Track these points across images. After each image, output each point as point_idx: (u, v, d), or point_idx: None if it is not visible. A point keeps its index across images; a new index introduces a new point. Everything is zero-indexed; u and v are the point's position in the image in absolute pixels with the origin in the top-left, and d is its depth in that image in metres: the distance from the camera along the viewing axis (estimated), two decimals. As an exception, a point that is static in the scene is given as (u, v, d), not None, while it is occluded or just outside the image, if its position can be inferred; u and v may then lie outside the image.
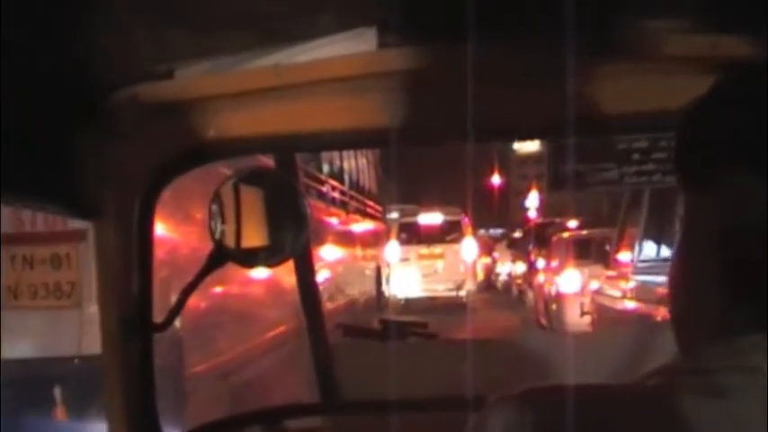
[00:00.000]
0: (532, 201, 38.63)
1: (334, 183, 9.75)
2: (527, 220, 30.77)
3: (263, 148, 1.76)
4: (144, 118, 1.35)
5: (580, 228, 15.94)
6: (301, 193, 1.63)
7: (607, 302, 7.54)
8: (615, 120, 1.40)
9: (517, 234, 26.41)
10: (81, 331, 3.87)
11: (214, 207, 1.45)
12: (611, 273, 7.84)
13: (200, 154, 1.48)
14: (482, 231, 30.53)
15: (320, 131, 1.43)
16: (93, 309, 3.25)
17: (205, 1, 1.18)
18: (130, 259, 1.44)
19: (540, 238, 17.89)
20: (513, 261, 20.87)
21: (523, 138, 1.64)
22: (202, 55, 1.29)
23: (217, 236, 1.45)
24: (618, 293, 7.22)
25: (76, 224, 3.50)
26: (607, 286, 7.88)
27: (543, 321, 12.64)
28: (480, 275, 20.37)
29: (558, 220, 20.29)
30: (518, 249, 21.18)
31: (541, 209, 35.85)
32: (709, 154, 0.77)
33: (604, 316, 7.45)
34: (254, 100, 1.37)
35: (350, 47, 1.27)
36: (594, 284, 8.92)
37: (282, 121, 1.41)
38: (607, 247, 9.18)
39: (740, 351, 0.71)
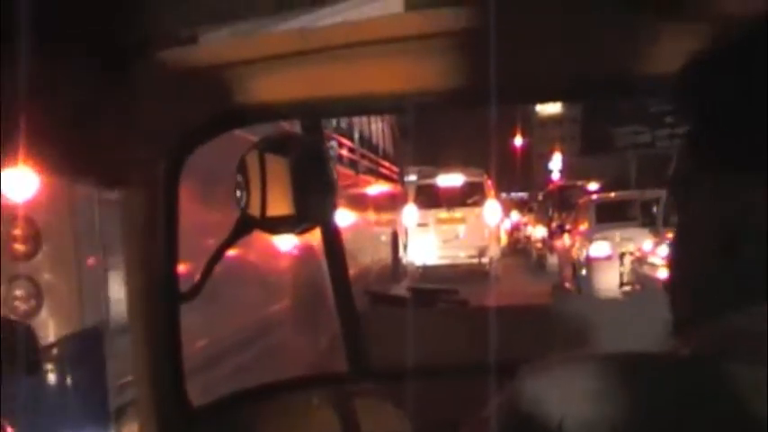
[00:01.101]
0: (556, 163, 38.51)
1: (342, 139, 8.77)
2: (550, 182, 30.68)
3: (289, 114, 1.74)
4: (169, 84, 1.33)
5: (602, 190, 15.82)
6: (329, 160, 1.60)
7: (650, 271, 7.33)
8: (644, 81, 1.37)
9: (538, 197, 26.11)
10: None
11: (239, 175, 1.44)
12: (655, 239, 7.49)
13: (225, 120, 1.46)
14: (504, 195, 30.37)
15: (347, 96, 1.40)
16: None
17: None
18: (156, 227, 1.43)
19: (562, 202, 18.07)
20: (534, 225, 20.72)
21: (548, 99, 1.61)
22: (228, 19, 1.27)
23: (242, 204, 1.43)
24: (663, 261, 6.91)
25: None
26: (651, 254, 7.57)
27: (569, 286, 12.23)
28: (504, 240, 19.53)
29: (579, 183, 20.24)
30: (538, 213, 21.18)
31: (565, 171, 35.77)
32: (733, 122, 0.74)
33: (648, 286, 7.20)
34: (279, 65, 1.35)
35: (375, 9, 1.25)
36: (629, 248, 8.71)
37: (308, 86, 1.39)
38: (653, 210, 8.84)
39: None
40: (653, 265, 7.36)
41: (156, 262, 1.44)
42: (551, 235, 16.90)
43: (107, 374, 3.35)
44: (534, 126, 50.87)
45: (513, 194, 35.27)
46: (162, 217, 1.44)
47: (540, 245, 18.94)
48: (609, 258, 10.18)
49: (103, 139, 1.29)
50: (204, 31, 1.29)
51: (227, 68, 1.35)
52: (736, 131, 0.73)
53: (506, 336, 1.58)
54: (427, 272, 15.14)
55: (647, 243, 7.94)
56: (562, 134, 42.72)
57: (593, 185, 18.07)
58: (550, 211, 19.26)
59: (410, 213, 15.44)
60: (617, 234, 10.41)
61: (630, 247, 8.85)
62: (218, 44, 1.30)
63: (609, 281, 9.70)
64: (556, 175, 37.40)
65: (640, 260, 8.07)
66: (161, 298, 1.45)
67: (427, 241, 15.76)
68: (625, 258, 9.32)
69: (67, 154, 1.25)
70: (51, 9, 0.98)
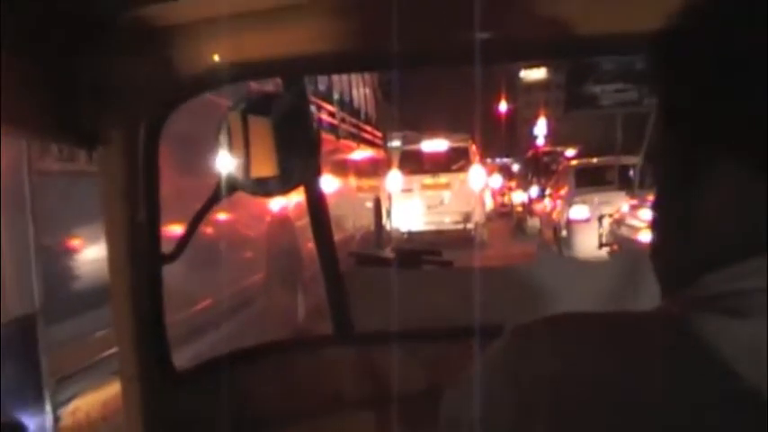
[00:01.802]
0: (541, 128, 38.50)
1: (322, 103, 8.57)
2: (535, 147, 30.92)
3: (270, 72, 1.71)
4: (148, 42, 1.31)
5: (579, 155, 16.07)
6: (311, 118, 1.59)
7: (628, 233, 7.63)
8: (628, 38, 1.36)
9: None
10: None
11: (222, 136, 1.42)
12: (632, 201, 7.86)
13: (206, 78, 1.44)
14: (489, 161, 30.65)
15: (329, 52, 1.38)
16: None
17: None
18: (136, 188, 1.41)
19: (542, 167, 18.53)
20: (512, 190, 21.27)
21: (528, 58, 1.59)
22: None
23: (224, 165, 1.42)
24: (641, 223, 7.20)
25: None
26: (629, 216, 7.89)
27: (550, 247, 12.72)
28: (490, 205, 19.66)
29: (559, 149, 20.92)
30: (518, 178, 21.90)
31: (550, 136, 35.83)
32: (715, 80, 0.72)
33: (626, 247, 7.55)
34: (258, 22, 1.33)
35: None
36: (607, 210, 9.18)
37: (289, 44, 1.37)
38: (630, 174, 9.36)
39: (757, 271, 0.70)
40: (631, 227, 7.68)
41: (138, 224, 1.43)
42: (531, 200, 17.76)
43: (41, 370, 3.06)
44: (519, 91, 50.78)
45: (498, 160, 35.36)
46: (142, 177, 1.42)
47: (520, 209, 19.45)
48: (588, 221, 10.66)
49: (81, 99, 1.27)
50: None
51: (208, 26, 1.32)
52: (712, 100, 0.72)
53: (490, 297, 1.57)
54: (412, 238, 15.10)
55: (624, 206, 8.30)
56: (547, 99, 42.66)
57: (570, 152, 18.40)
58: (530, 176, 19.78)
59: (394, 179, 15.35)
60: (595, 198, 10.88)
61: (608, 209, 9.29)
62: (198, 1, 1.27)
63: (588, 242, 10.13)
64: (541, 141, 37.41)
65: (618, 222, 8.40)
66: (143, 260, 1.44)
67: (412, 207, 15.64)
68: (603, 220, 9.74)
69: (44, 114, 1.23)
70: None
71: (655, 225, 0.82)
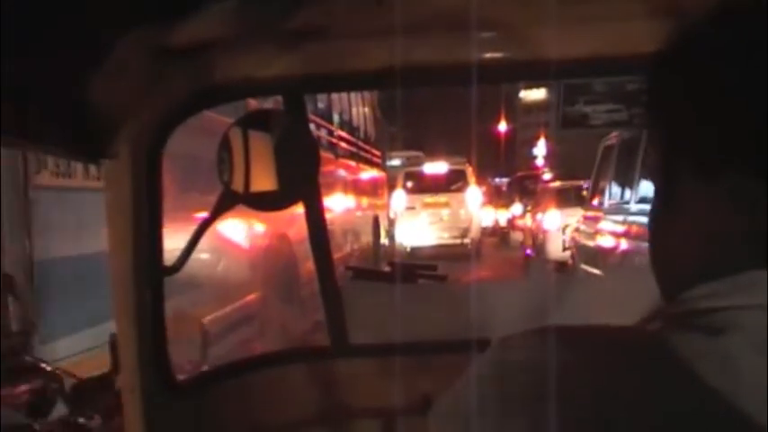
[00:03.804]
0: (540, 149, 38.51)
1: (321, 121, 8.70)
2: (535, 168, 31.46)
3: (271, 90, 1.75)
4: (153, 60, 1.33)
5: (555, 179, 19.83)
6: (311, 135, 1.62)
7: (583, 239, 9.54)
8: (619, 60, 1.39)
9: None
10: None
11: (223, 152, 1.45)
12: (588, 214, 9.63)
13: (208, 95, 1.47)
14: (490, 180, 31.63)
15: (329, 72, 1.42)
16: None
17: None
18: (140, 202, 1.44)
19: (524, 189, 22.49)
20: (498, 208, 24.76)
21: (526, 78, 1.62)
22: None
23: (225, 179, 1.45)
24: (591, 231, 9.01)
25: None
26: (584, 226, 9.69)
27: (531, 253, 16.08)
28: (485, 223, 21.42)
29: (538, 172, 24.99)
30: (504, 198, 25.78)
31: (548, 158, 35.97)
32: (707, 98, 0.75)
33: (582, 250, 9.48)
34: (261, 41, 1.36)
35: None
36: (570, 222, 11.61)
37: (290, 63, 1.40)
38: (584, 194, 11.83)
39: (739, 289, 0.72)
40: (583, 233, 9.53)
41: (141, 237, 1.45)
42: (514, 216, 21.88)
43: None
44: (518, 112, 50.82)
45: (498, 180, 35.42)
46: (145, 192, 1.45)
47: (504, 225, 23.26)
48: (557, 230, 13.58)
49: (87, 113, 1.30)
50: (188, 9, 1.29)
51: (210, 45, 1.36)
52: (709, 121, 0.74)
53: (485, 310, 1.60)
54: (414, 252, 16.42)
55: (579, 218, 10.38)
56: (547, 119, 42.67)
57: (547, 175, 22.13)
58: (514, 197, 23.27)
59: (399, 198, 17.05)
60: (564, 212, 13.73)
61: (572, 221, 11.35)
62: (200, 21, 1.30)
63: (556, 246, 13.25)
64: (540, 161, 37.46)
65: (576, 230, 10.33)
66: (145, 272, 1.47)
67: (415, 224, 17.02)
68: (566, 230, 12.16)
69: (51, 129, 1.25)
70: None
71: (649, 241, 0.84)
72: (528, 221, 17.92)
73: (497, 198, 27.12)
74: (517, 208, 21.64)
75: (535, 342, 0.75)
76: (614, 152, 8.32)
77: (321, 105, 8.89)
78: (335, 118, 9.78)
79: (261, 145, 1.45)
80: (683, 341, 0.70)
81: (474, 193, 18.05)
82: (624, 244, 7.27)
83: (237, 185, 1.45)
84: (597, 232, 8.65)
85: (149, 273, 1.47)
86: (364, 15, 1.30)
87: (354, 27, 1.34)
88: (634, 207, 7.12)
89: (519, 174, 29.67)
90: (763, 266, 0.71)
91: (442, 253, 15.51)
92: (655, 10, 1.27)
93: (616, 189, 8.25)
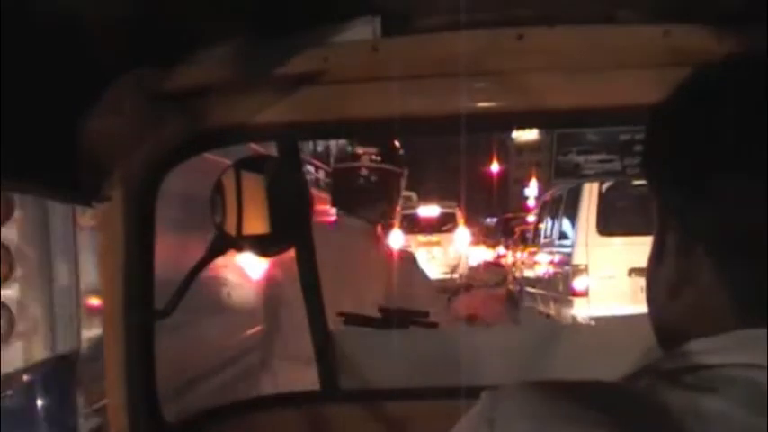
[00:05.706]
0: (532, 190, 38.63)
1: (319, 164, 8.94)
2: (527, 209, 31.97)
3: (267, 136, 1.76)
4: (148, 103, 1.34)
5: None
6: (304, 181, 1.63)
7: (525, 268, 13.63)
8: (613, 111, 1.41)
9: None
10: None
11: (216, 194, 1.45)
12: (532, 249, 13.07)
13: (203, 140, 1.48)
14: (483, 220, 33.14)
15: (324, 120, 1.43)
16: None
17: None
18: (133, 244, 1.44)
19: (508, 229, 24.48)
20: (487, 247, 28.04)
21: (520, 127, 1.64)
22: (207, 43, 1.28)
23: (218, 223, 1.45)
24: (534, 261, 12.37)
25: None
26: (531, 257, 13.02)
27: (512, 285, 18.17)
28: (472, 261, 23.89)
29: (521, 214, 27.12)
30: (488, 238, 28.93)
31: (539, 199, 36.18)
32: (695, 156, 0.75)
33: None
34: (256, 87, 1.37)
35: (353, 35, 1.27)
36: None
37: (284, 109, 1.41)
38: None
39: (736, 347, 0.71)
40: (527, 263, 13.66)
41: (132, 278, 1.45)
42: (498, 255, 24.90)
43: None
44: (511, 153, 51.08)
45: (489, 220, 35.67)
46: (138, 235, 1.45)
47: (491, 260, 26.20)
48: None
49: (81, 155, 1.30)
50: (184, 53, 1.30)
51: (205, 89, 1.36)
52: (699, 177, 0.74)
53: (475, 358, 1.60)
54: None
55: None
56: (537, 160, 42.89)
57: (531, 218, 22.28)
58: (500, 237, 26.50)
59: (396, 237, 17.41)
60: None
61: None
62: (197, 66, 1.31)
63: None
64: (532, 202, 37.57)
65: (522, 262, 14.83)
66: (136, 314, 1.46)
67: None
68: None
69: (43, 172, 1.25)
70: (30, 26, 0.99)
71: (646, 293, 0.84)
72: (509, 259, 20.39)
73: (486, 238, 29.84)
74: (501, 249, 24.93)
75: (521, 396, 0.75)
76: (548, 205, 11.45)
77: (320, 149, 9.01)
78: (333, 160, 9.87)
79: (254, 188, 1.46)
80: (675, 398, 0.70)
81: (463, 234, 20.50)
82: (550, 268, 10.52)
83: (230, 228, 1.45)
84: (536, 263, 12.02)
85: (140, 315, 1.47)
86: (360, 62, 1.31)
87: (350, 74, 1.35)
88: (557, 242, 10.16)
89: (506, 216, 32.01)
90: (754, 324, 0.71)
91: (435, 286, 16.35)
92: (649, 61, 1.29)
93: (547, 230, 11.31)
